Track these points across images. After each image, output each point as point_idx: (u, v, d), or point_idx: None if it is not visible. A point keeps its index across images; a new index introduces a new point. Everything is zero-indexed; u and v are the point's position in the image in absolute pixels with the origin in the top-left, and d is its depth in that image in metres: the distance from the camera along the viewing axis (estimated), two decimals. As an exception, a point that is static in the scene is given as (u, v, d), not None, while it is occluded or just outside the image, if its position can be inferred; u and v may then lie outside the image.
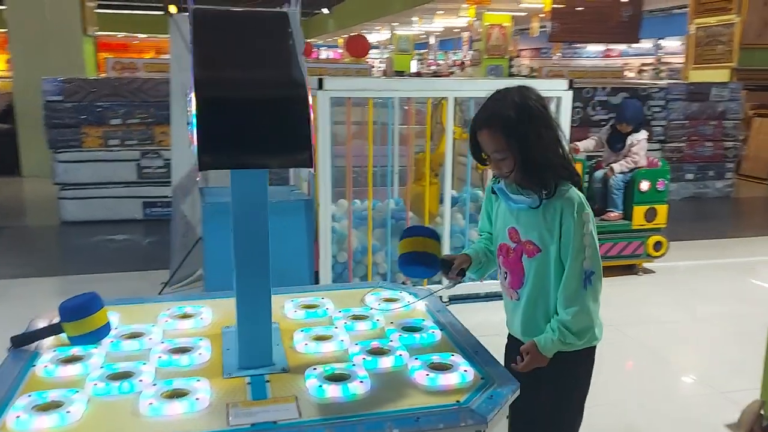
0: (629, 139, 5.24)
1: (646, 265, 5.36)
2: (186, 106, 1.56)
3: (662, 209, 5.19)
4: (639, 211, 5.12)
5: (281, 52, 1.43)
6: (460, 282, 2.03)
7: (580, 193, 1.83)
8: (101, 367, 1.66)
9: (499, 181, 1.91)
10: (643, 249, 5.17)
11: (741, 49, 10.48)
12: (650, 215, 5.14)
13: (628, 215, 5.18)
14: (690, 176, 8.56)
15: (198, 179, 4.15)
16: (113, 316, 1.94)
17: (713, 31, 11.01)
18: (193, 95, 1.32)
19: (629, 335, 4.10)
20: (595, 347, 1.92)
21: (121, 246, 6.17)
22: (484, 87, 4.44)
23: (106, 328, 1.80)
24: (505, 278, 1.97)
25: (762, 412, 2.92)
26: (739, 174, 9.42)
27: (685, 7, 16.42)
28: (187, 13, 4.79)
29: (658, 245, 5.17)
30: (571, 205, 1.80)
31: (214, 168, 1.36)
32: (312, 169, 1.40)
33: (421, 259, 1.93)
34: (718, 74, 10.51)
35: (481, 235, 2.10)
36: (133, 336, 1.87)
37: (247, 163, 1.40)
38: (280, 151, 1.40)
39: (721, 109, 8.56)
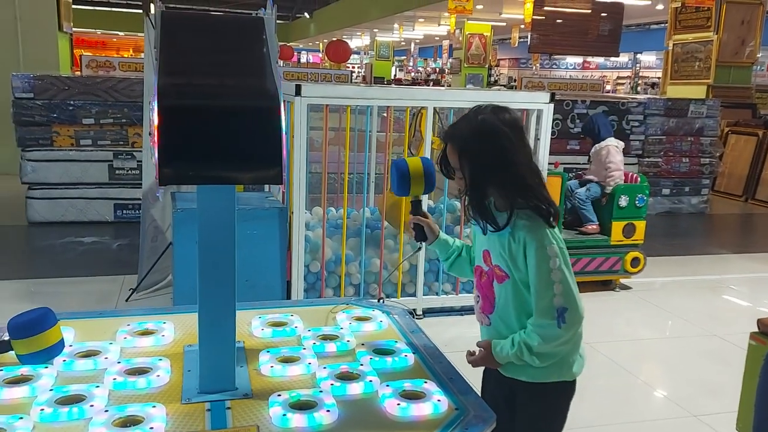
0: (593, 149, 5.22)
1: (623, 281, 5.33)
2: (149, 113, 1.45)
3: (640, 225, 5.15)
4: (617, 227, 5.08)
5: (254, 60, 1.33)
6: (418, 249, 2.34)
7: (549, 227, 1.71)
8: (50, 390, 1.55)
9: None
10: (621, 265, 5.13)
11: (717, 66, 10.61)
12: (628, 231, 5.11)
13: (606, 230, 5.14)
14: (666, 191, 8.59)
15: (159, 193, 4.03)
16: (68, 332, 1.83)
17: (691, 48, 11.15)
18: (155, 103, 1.22)
19: (602, 352, 4.05)
20: (575, 381, 1.84)
21: (89, 249, 6.00)
22: (463, 97, 4.41)
23: (59, 346, 1.71)
24: (477, 302, 1.91)
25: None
26: (714, 190, 9.51)
27: (663, 23, 16.66)
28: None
29: (635, 261, 5.14)
30: (533, 239, 1.68)
31: (175, 183, 1.26)
32: (282, 186, 1.31)
33: (404, 178, 1.82)
34: (695, 90, 10.63)
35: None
36: (89, 354, 1.75)
37: (211, 178, 1.29)
38: (248, 167, 1.29)
39: (699, 125, 8.62)
